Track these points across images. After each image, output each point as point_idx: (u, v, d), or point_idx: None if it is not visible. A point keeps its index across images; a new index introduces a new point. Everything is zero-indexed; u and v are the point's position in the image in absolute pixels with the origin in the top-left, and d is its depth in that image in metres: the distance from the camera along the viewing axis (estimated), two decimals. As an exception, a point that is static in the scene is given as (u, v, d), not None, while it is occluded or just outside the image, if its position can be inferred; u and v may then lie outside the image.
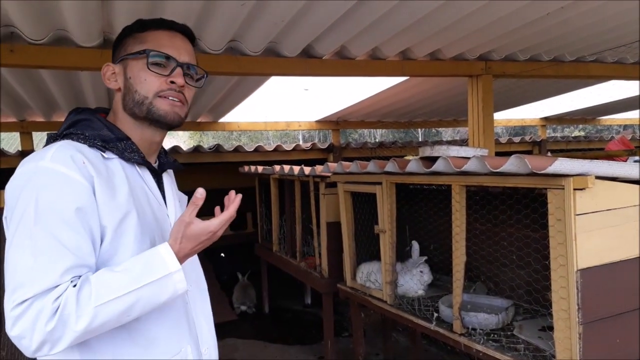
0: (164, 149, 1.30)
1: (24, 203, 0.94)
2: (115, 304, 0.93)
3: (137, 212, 1.06)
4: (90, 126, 1.09)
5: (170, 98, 1.11)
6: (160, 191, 1.20)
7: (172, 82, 1.10)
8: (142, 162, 1.13)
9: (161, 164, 1.26)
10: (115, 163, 1.08)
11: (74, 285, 0.92)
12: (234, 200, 1.08)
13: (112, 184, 1.03)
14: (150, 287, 0.97)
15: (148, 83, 1.09)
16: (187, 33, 1.18)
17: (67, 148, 1.00)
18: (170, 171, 1.30)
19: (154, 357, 1.05)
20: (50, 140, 1.09)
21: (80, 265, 0.95)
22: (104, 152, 1.06)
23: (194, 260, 1.25)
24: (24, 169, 0.98)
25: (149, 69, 1.08)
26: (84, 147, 1.04)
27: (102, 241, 1.00)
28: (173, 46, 1.12)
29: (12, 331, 0.90)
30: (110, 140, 1.08)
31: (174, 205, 1.22)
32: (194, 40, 1.21)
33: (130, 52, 1.11)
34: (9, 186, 0.99)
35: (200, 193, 1.00)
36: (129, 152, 1.10)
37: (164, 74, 1.10)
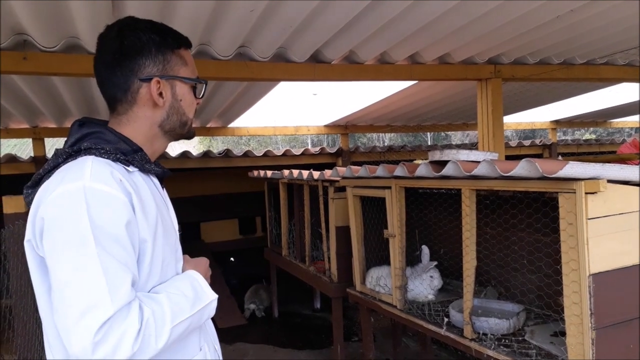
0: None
1: (74, 225, 0.93)
2: (182, 325, 1.01)
3: (164, 226, 1.09)
4: (106, 139, 1.08)
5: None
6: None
7: (198, 103, 1.22)
8: (161, 173, 1.15)
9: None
10: (137, 176, 1.08)
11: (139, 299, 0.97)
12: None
13: (142, 198, 1.04)
14: (201, 312, 1.07)
15: (193, 107, 1.20)
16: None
17: (102, 165, 1.00)
18: None
19: (184, 358, 1.11)
20: (64, 156, 1.05)
21: (135, 281, 0.98)
22: (127, 166, 1.06)
23: None
24: (63, 190, 0.95)
25: (196, 97, 1.19)
26: (110, 162, 1.03)
27: (144, 254, 1.03)
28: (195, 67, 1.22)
29: (95, 355, 0.87)
30: (128, 153, 1.08)
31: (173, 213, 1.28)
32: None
33: (180, 74, 1.15)
34: (48, 209, 0.96)
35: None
36: (147, 164, 1.11)
37: (201, 98, 1.22)
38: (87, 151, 1.04)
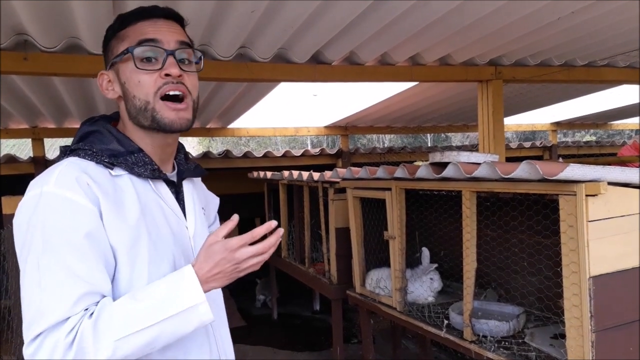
0: (185, 153, 1.23)
1: (30, 233, 0.90)
2: (136, 337, 0.87)
3: (150, 231, 0.99)
4: (100, 139, 1.03)
5: (171, 93, 1.01)
6: (181, 202, 1.12)
7: (166, 74, 1.00)
8: (154, 177, 1.04)
9: (180, 171, 1.16)
10: (124, 180, 1.01)
11: (91, 314, 0.88)
12: (276, 233, 0.99)
13: (121, 204, 0.97)
14: (174, 319, 0.90)
15: (143, 84, 1.00)
16: (171, 15, 1.06)
17: (72, 169, 0.94)
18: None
19: None
20: (62, 154, 1.04)
21: (93, 293, 0.90)
22: (111, 169, 0.99)
23: None
24: (29, 196, 0.93)
25: (137, 67, 0.99)
26: (90, 165, 0.98)
27: (118, 261, 0.95)
28: (157, 33, 1.02)
29: None
30: (119, 155, 1.01)
31: (195, 216, 1.13)
32: (182, 20, 1.10)
33: (116, 54, 1.03)
34: (16, 215, 0.94)
35: (234, 218, 0.97)
36: (140, 166, 1.02)
37: (155, 68, 1.00)
38: (75, 152, 1.01)
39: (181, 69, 1.02)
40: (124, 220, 0.96)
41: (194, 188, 1.19)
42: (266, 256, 0.98)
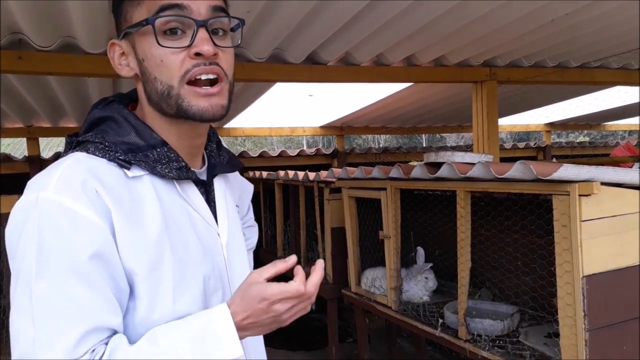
0: (218, 141, 1.01)
1: (22, 250, 0.71)
2: None
3: (175, 247, 0.81)
4: (114, 129, 0.82)
5: (203, 77, 0.79)
6: (211, 203, 0.93)
7: (197, 53, 0.78)
8: (181, 177, 0.84)
9: (211, 165, 0.95)
10: (144, 182, 0.81)
11: (101, 357, 0.71)
12: (315, 270, 0.79)
13: (139, 216, 0.78)
14: None
15: (167, 64, 0.79)
16: None
17: (77, 170, 0.75)
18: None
19: None
20: (68, 147, 0.84)
21: (101, 329, 0.72)
22: (128, 168, 0.79)
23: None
24: (23, 202, 0.74)
25: (159, 44, 0.77)
26: (101, 164, 0.78)
27: (134, 287, 0.77)
28: None
29: None
30: (138, 150, 0.81)
31: (228, 220, 0.94)
32: None
33: (131, 23, 0.80)
34: (8, 223, 0.75)
35: (292, 260, 0.79)
36: (163, 164, 0.82)
37: (182, 45, 0.78)
38: (83, 145, 0.81)
39: (215, 44, 0.80)
40: (143, 236, 0.77)
41: (226, 184, 0.99)
42: (313, 298, 0.80)
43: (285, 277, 0.78)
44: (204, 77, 0.80)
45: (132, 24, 0.80)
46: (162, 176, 0.82)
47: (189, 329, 0.75)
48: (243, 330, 0.77)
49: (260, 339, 1.02)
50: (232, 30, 0.87)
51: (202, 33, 0.78)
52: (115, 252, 0.74)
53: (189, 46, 0.78)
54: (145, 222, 0.78)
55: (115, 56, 0.85)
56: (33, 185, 0.75)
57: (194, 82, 0.80)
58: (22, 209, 0.74)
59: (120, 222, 0.75)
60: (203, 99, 0.80)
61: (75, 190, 0.73)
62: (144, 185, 0.81)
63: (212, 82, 0.81)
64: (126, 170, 0.80)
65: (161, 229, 0.79)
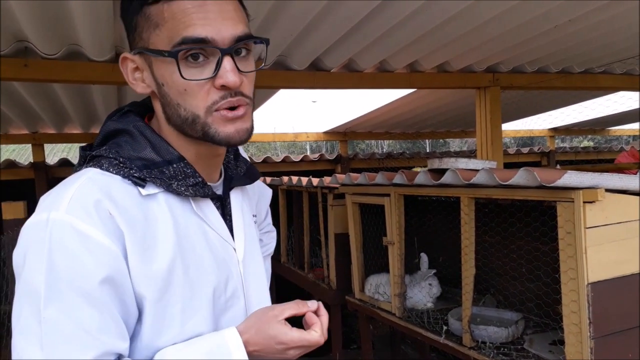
0: (235, 150, 0.98)
1: (31, 273, 0.69)
2: None
3: (187, 266, 0.79)
4: (130, 144, 0.80)
5: (227, 111, 0.77)
6: (227, 216, 0.91)
7: (222, 85, 0.75)
8: (196, 194, 0.82)
9: (228, 177, 0.94)
10: (159, 200, 0.79)
11: None
12: (320, 317, 0.83)
13: (152, 237, 0.76)
14: None
15: (190, 94, 0.76)
16: None
17: (91, 189, 0.73)
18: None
19: None
20: (81, 160, 0.82)
21: (107, 354, 0.71)
22: (142, 186, 0.77)
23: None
24: (33, 221, 0.72)
25: (182, 77, 0.74)
26: (115, 182, 0.76)
27: (143, 311, 0.76)
28: (207, 25, 0.73)
29: None
30: (155, 165, 0.79)
31: (244, 235, 0.92)
32: None
33: (148, 46, 0.77)
34: (17, 242, 0.73)
35: (313, 306, 0.81)
36: (179, 182, 0.80)
37: (206, 76, 0.75)
38: (96, 160, 0.79)
39: (239, 69, 0.76)
40: (155, 260, 0.76)
41: (243, 194, 0.97)
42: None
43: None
44: (231, 115, 0.78)
45: (149, 48, 0.76)
46: (178, 194, 0.80)
47: (199, 349, 0.75)
48: (250, 354, 0.79)
49: None
50: (255, 43, 0.81)
51: (227, 62, 0.75)
52: (126, 276, 0.73)
53: (213, 77, 0.75)
54: (158, 245, 0.76)
55: (128, 71, 0.82)
56: (44, 203, 0.73)
57: (219, 109, 0.78)
58: (32, 229, 0.71)
59: (132, 245, 0.73)
60: (230, 124, 0.78)
61: (87, 211, 0.71)
62: (159, 204, 0.79)
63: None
64: (140, 189, 0.77)
65: (174, 251, 0.78)
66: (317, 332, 0.78)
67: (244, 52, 0.78)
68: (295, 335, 0.77)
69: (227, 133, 0.78)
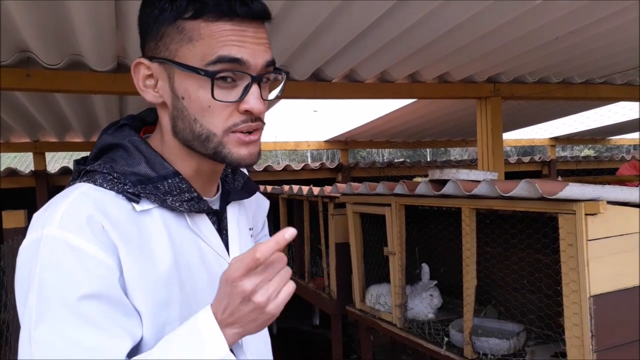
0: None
1: (24, 291, 0.69)
2: None
3: (183, 283, 0.79)
4: (124, 158, 0.78)
5: (244, 135, 0.77)
6: (223, 231, 0.90)
7: (246, 110, 0.75)
8: (192, 210, 0.80)
9: (225, 191, 0.92)
10: (153, 216, 0.77)
11: None
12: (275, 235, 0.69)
13: (147, 253, 0.75)
14: None
15: (213, 114, 0.75)
16: (260, 14, 0.76)
17: (83, 204, 0.71)
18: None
19: None
20: (75, 175, 0.81)
21: None
22: (136, 202, 0.76)
23: None
24: (27, 242, 0.71)
25: (214, 97, 0.73)
26: (108, 197, 0.74)
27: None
28: (244, 48, 0.74)
29: None
30: (149, 181, 0.77)
31: (239, 248, 0.91)
32: (269, 17, 0.79)
33: (174, 58, 0.75)
34: (17, 263, 0.73)
35: (290, 234, 0.67)
36: (174, 197, 0.79)
37: (233, 99, 0.75)
38: (90, 175, 0.77)
39: (262, 96, 0.77)
40: (151, 275, 0.74)
41: (239, 207, 0.95)
42: (285, 274, 0.70)
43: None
44: (247, 139, 0.78)
45: (178, 61, 0.74)
46: (172, 209, 0.79)
47: (178, 333, 0.71)
48: (228, 327, 0.70)
49: (264, 339, 0.97)
50: (278, 74, 0.83)
51: (255, 89, 0.75)
52: (123, 289, 0.71)
53: (240, 100, 0.75)
54: (154, 261, 0.75)
55: (140, 77, 0.78)
56: (38, 222, 0.72)
57: (235, 131, 0.77)
58: (28, 249, 0.71)
59: (127, 259, 0.71)
60: (244, 147, 0.78)
61: (80, 225, 0.69)
62: (153, 220, 0.77)
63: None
64: (135, 204, 0.75)
65: (170, 267, 0.76)
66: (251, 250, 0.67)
67: (264, 80, 0.80)
68: (232, 263, 0.67)
69: (240, 155, 0.78)
